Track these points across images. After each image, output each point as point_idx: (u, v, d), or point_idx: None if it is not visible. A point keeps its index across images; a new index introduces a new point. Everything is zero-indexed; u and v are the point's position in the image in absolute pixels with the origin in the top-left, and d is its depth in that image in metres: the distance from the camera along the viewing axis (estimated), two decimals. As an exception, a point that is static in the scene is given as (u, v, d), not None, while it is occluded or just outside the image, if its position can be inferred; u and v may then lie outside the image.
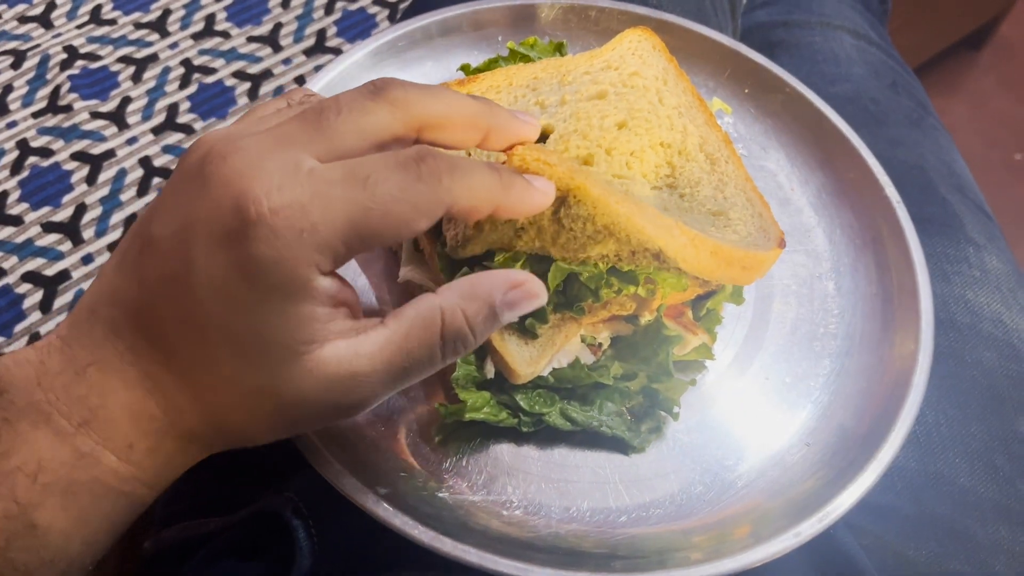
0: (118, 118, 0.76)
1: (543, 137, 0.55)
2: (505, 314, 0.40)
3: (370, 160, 0.37)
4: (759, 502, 0.50)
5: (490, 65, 0.63)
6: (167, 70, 0.79)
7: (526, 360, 0.49)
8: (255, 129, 0.38)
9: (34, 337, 0.65)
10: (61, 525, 0.35)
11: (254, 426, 0.39)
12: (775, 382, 0.55)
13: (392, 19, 0.84)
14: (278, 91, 0.79)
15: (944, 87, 1.93)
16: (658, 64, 0.58)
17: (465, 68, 0.63)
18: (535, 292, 0.41)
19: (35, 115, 0.75)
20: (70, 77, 0.77)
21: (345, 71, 0.64)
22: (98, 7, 0.83)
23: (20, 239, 0.69)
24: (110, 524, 0.38)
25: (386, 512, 0.45)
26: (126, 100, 0.77)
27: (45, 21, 0.82)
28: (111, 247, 0.69)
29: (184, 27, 0.82)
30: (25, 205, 0.71)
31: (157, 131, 0.76)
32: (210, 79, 0.79)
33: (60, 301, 0.67)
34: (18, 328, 0.65)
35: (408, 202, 0.36)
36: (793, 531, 0.46)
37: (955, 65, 1.96)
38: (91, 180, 0.72)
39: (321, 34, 0.83)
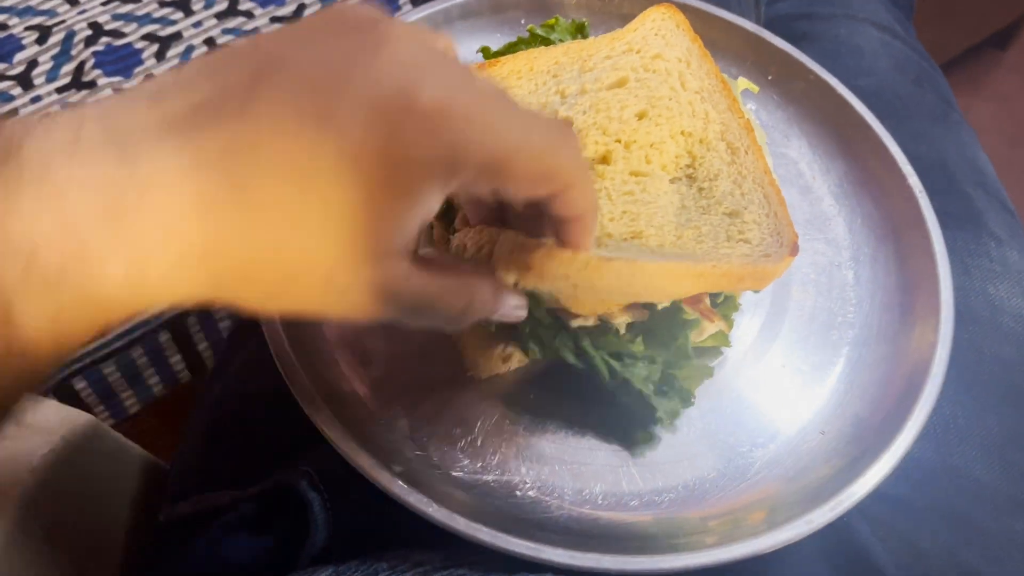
0: (141, 95, 0.76)
1: None
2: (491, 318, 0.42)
3: (530, 110, 0.36)
4: (773, 489, 0.49)
5: (510, 48, 0.63)
6: (190, 48, 0.80)
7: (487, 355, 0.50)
8: None
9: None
10: (36, 321, 0.31)
11: (274, 295, 0.35)
12: (791, 370, 0.55)
13: (415, 2, 0.84)
14: (300, 72, 0.79)
15: (968, 86, 1.91)
16: (681, 44, 0.58)
17: (485, 51, 0.63)
18: (521, 316, 0.43)
19: (59, 90, 0.76)
20: (94, 53, 0.78)
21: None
22: (123, -15, 0.83)
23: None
24: (84, 333, 0.33)
25: (401, 489, 0.45)
26: (149, 77, 0.77)
27: (70, -3, 0.82)
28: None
29: (208, 6, 0.82)
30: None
31: (179, 109, 0.76)
32: (233, 58, 0.79)
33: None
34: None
35: (548, 162, 0.36)
36: (806, 518, 0.46)
37: (980, 64, 1.95)
38: (113, 156, 0.73)
39: (344, 16, 0.83)
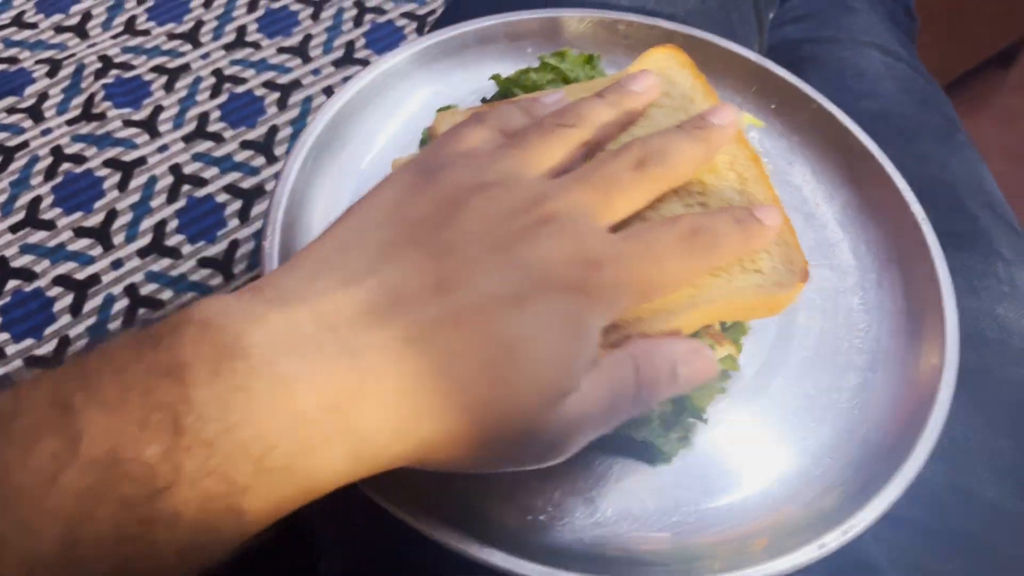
0: (150, 126, 0.77)
1: None
2: (682, 378, 0.43)
3: (661, 235, 0.42)
4: (783, 513, 0.49)
5: (520, 76, 0.63)
6: (198, 80, 0.81)
7: None
8: (540, 160, 0.43)
9: (63, 341, 0.66)
10: (261, 512, 0.32)
11: (479, 456, 0.38)
12: (799, 394, 0.55)
13: (420, 32, 0.85)
14: (306, 102, 0.80)
15: (972, 105, 1.92)
16: (685, 84, 0.58)
17: (496, 78, 0.63)
18: (710, 365, 0.44)
19: (69, 123, 0.77)
20: (104, 86, 0.79)
21: (377, 79, 0.64)
22: (132, 18, 0.84)
23: (52, 243, 0.70)
24: (296, 507, 0.34)
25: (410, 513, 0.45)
26: (158, 109, 0.78)
27: (81, 31, 0.83)
28: (140, 252, 0.70)
29: (216, 38, 0.83)
30: (58, 210, 0.72)
31: (188, 139, 0.77)
32: (240, 89, 0.80)
33: (90, 304, 0.68)
34: (48, 331, 0.66)
35: (677, 281, 0.43)
36: (817, 543, 0.46)
37: (983, 83, 1.95)
38: (122, 186, 0.73)
39: (350, 46, 0.84)
